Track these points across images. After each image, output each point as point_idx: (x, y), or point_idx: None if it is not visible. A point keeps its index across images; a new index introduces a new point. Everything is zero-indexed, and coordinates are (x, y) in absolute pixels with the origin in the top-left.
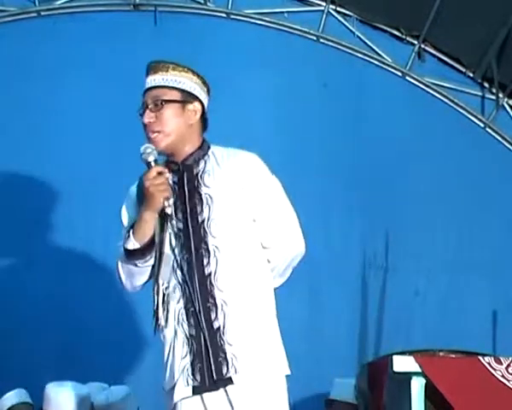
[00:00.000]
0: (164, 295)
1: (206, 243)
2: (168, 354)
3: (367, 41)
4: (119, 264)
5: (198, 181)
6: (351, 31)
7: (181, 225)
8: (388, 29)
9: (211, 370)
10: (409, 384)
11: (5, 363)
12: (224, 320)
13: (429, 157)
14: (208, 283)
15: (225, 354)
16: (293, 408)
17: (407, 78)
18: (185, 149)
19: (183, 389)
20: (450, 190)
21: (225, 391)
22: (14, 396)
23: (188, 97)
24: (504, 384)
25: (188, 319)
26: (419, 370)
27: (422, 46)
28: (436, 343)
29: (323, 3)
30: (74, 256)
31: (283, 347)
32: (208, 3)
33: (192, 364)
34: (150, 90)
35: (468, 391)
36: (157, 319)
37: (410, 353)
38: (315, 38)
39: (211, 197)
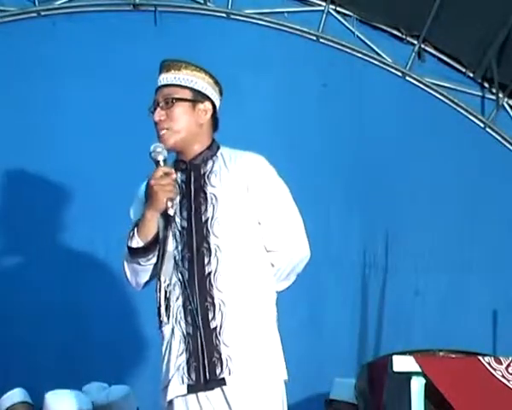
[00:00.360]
0: (166, 292)
1: (208, 243)
2: (165, 351)
3: (367, 41)
4: (125, 261)
5: (204, 181)
6: (351, 31)
7: (185, 224)
8: (388, 29)
9: (205, 369)
10: (409, 384)
11: (5, 363)
12: (221, 321)
13: (429, 157)
14: (207, 282)
15: (220, 354)
16: (293, 408)
17: (407, 78)
18: (194, 149)
19: (177, 386)
20: (450, 189)
21: (222, 391)
22: (14, 396)
23: (199, 97)
24: (504, 384)
25: (185, 317)
26: (419, 370)
27: (422, 46)
28: (436, 343)
29: (323, 3)
30: (75, 256)
31: (283, 350)
32: (208, 3)
33: (188, 362)
34: (162, 88)
35: (468, 391)
36: (159, 316)
37: (410, 353)
38: (315, 38)
39: (215, 197)
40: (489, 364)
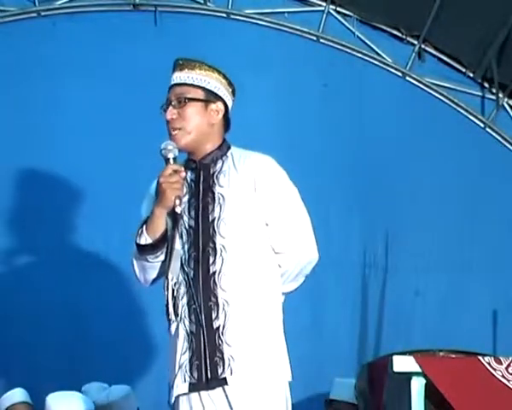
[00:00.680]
0: (173, 290)
1: (214, 242)
2: (171, 348)
3: (367, 41)
4: (133, 258)
5: (213, 180)
6: (351, 31)
7: (192, 223)
8: (388, 29)
9: (206, 368)
10: (409, 384)
11: (5, 363)
12: (224, 320)
13: (429, 157)
14: (212, 281)
15: (222, 354)
16: (293, 408)
17: (407, 78)
18: (205, 148)
19: (180, 384)
20: (450, 189)
21: (224, 391)
22: (14, 396)
23: (211, 97)
24: (504, 384)
25: (189, 316)
26: (419, 370)
27: (422, 46)
28: (436, 343)
29: (323, 3)
30: (75, 256)
31: (287, 352)
32: (208, 3)
33: (190, 360)
34: (175, 86)
35: (468, 391)
36: (168, 314)
37: (410, 353)
38: (315, 38)
39: (223, 197)
40: (489, 364)
